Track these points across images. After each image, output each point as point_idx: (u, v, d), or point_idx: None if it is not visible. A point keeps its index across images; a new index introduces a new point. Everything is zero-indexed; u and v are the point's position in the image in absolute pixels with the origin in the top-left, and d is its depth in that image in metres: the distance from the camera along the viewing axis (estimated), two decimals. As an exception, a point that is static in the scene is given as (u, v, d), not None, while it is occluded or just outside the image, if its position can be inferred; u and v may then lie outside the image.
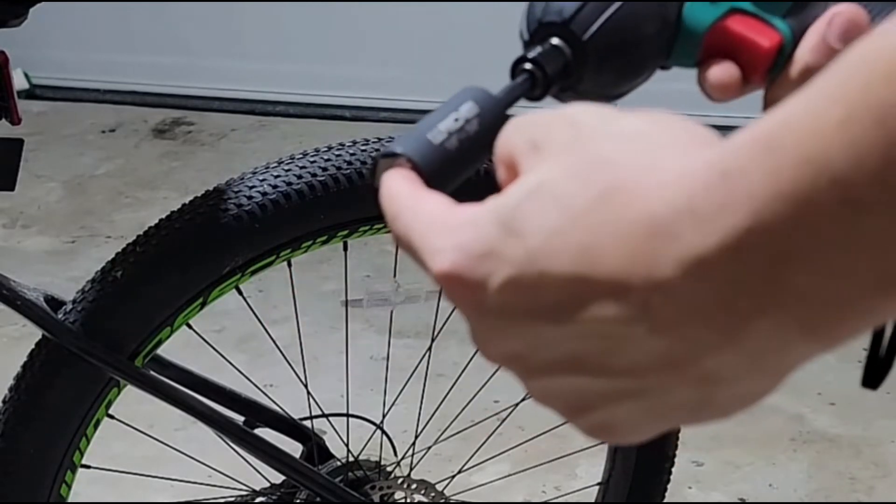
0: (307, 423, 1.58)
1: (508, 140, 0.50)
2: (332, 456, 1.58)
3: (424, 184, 0.54)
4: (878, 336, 0.51)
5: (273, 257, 1.40)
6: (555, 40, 0.65)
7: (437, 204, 0.50)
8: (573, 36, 0.64)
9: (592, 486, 1.74)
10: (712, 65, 0.65)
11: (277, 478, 1.52)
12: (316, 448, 1.56)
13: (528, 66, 0.64)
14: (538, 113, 0.50)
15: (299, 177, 1.39)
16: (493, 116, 0.59)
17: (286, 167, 1.40)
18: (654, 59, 0.66)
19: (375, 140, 1.45)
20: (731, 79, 0.64)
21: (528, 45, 0.66)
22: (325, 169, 1.40)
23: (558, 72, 0.64)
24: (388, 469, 1.58)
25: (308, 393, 1.57)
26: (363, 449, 1.58)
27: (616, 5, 0.64)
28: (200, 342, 1.49)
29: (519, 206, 0.45)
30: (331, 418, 1.61)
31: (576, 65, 0.64)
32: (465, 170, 0.57)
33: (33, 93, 4.16)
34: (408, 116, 3.80)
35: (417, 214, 0.50)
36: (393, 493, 1.57)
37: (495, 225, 0.45)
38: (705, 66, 0.66)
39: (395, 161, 0.55)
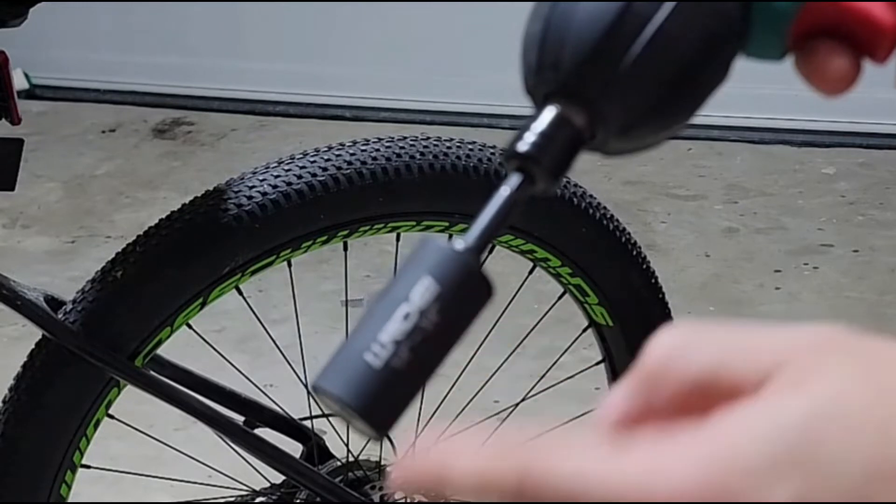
0: (307, 423, 1.58)
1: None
2: (332, 456, 1.58)
3: (368, 427, 0.41)
4: None
5: (273, 257, 1.40)
6: (556, 107, 0.47)
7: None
8: (583, 98, 0.46)
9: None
10: (816, 53, 0.49)
11: (277, 478, 1.52)
12: (316, 448, 1.56)
13: (518, 163, 0.47)
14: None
15: (299, 177, 1.39)
16: (461, 294, 0.42)
17: (286, 167, 1.40)
18: (710, 85, 0.48)
19: (375, 140, 1.45)
20: (851, 67, 0.49)
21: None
22: (325, 169, 1.40)
23: (568, 150, 0.47)
24: (388, 469, 1.58)
25: (308, 393, 1.57)
26: (363, 449, 1.58)
27: (646, 36, 0.45)
28: (200, 342, 1.49)
29: None
30: (331, 418, 1.61)
31: (594, 132, 0.47)
32: (425, 382, 0.42)
33: (33, 93, 4.16)
34: (408, 116, 3.80)
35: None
36: (393, 493, 1.57)
37: None
38: (804, 55, 0.50)
39: (331, 398, 0.41)
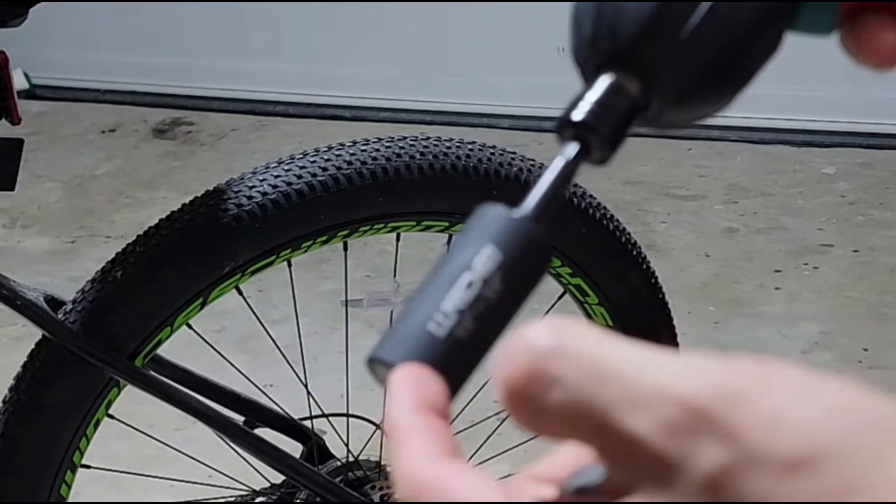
0: (307, 423, 1.58)
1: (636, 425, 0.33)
2: (332, 456, 1.58)
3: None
4: None
5: (273, 257, 1.40)
6: (611, 76, 0.47)
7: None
8: (639, 67, 0.46)
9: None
10: (865, 27, 0.49)
11: (277, 478, 1.52)
12: (316, 448, 1.56)
13: (574, 132, 0.46)
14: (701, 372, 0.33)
15: (299, 177, 1.39)
16: (523, 261, 0.42)
17: (286, 167, 1.40)
18: (763, 56, 0.48)
19: (375, 140, 1.45)
20: None
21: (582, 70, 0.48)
22: (325, 169, 1.40)
23: (624, 119, 0.47)
24: (389, 469, 1.58)
25: (308, 393, 1.57)
26: (363, 449, 1.58)
27: (704, 6, 0.45)
28: (200, 342, 1.49)
29: None
30: (331, 418, 1.61)
31: (649, 102, 0.47)
32: (488, 353, 0.41)
33: (33, 93, 4.16)
34: (408, 116, 3.80)
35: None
36: (393, 493, 1.57)
37: None
38: (853, 30, 0.50)
39: (390, 370, 0.40)
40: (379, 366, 0.41)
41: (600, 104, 0.46)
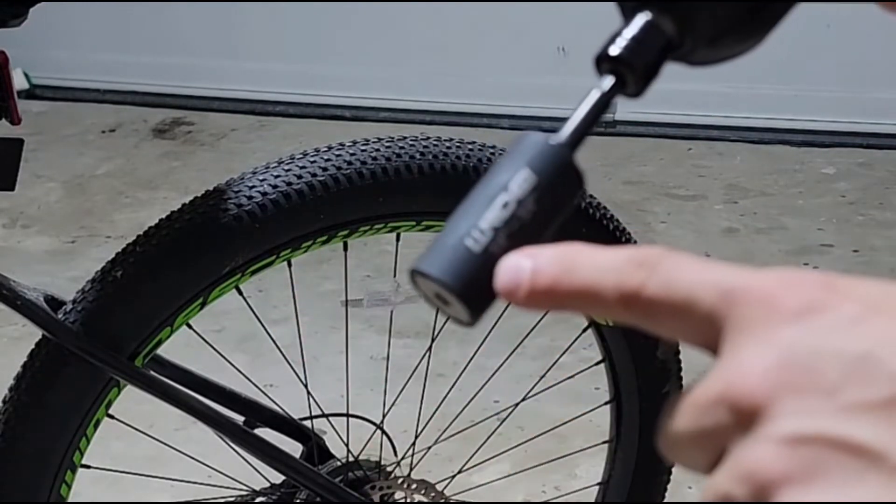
0: (307, 423, 1.58)
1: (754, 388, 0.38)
2: (332, 456, 1.58)
3: (465, 308, 0.43)
4: None
5: (273, 257, 1.40)
6: (647, 15, 0.49)
7: None
8: (674, 7, 0.49)
9: (592, 486, 1.74)
10: None
11: (277, 478, 1.52)
12: (316, 448, 1.56)
13: (610, 66, 0.49)
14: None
15: (299, 177, 1.39)
16: (556, 185, 0.45)
17: (286, 167, 1.40)
18: None
19: (375, 140, 1.45)
20: None
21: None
22: (325, 169, 1.40)
23: (658, 55, 0.49)
24: (388, 469, 1.58)
25: (308, 393, 1.57)
26: (363, 449, 1.58)
27: None
28: (200, 342, 1.49)
29: None
30: (331, 418, 1.61)
31: (683, 40, 0.49)
32: None
33: (33, 93, 4.17)
34: (408, 116, 3.80)
35: None
36: (393, 493, 1.57)
37: None
38: None
39: (429, 281, 0.43)
40: (420, 277, 0.43)
41: (636, 41, 0.48)
